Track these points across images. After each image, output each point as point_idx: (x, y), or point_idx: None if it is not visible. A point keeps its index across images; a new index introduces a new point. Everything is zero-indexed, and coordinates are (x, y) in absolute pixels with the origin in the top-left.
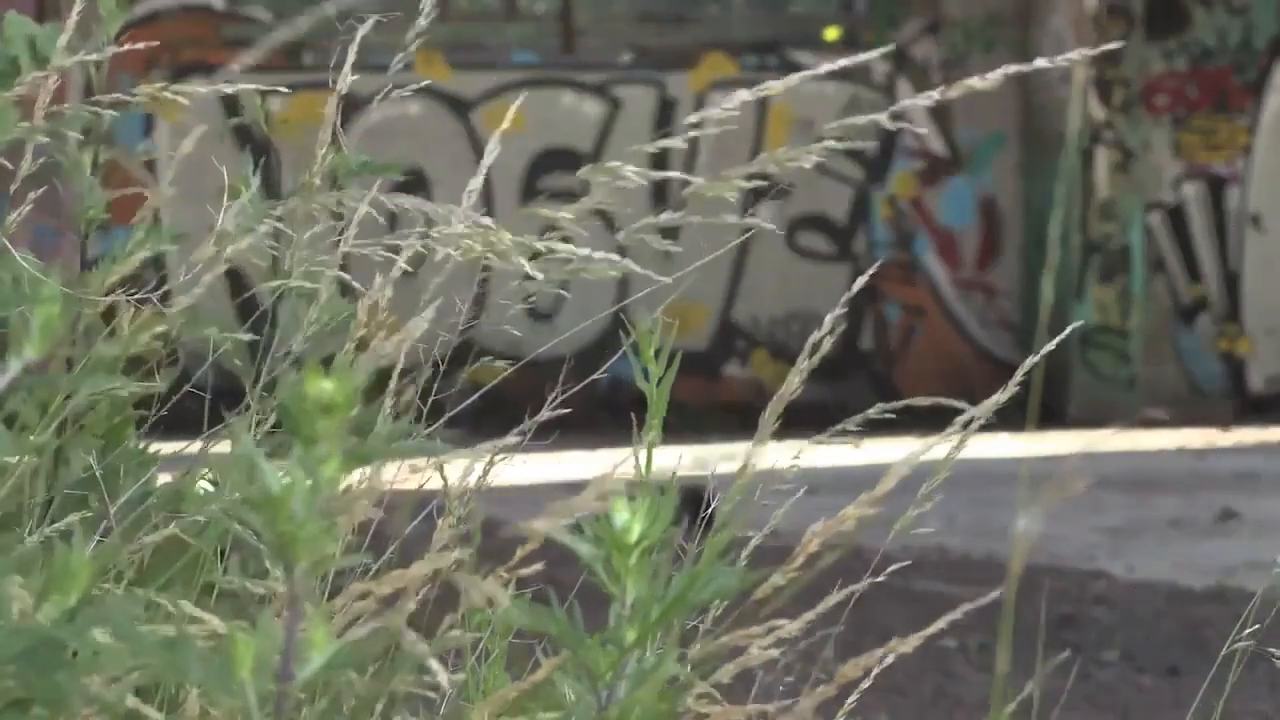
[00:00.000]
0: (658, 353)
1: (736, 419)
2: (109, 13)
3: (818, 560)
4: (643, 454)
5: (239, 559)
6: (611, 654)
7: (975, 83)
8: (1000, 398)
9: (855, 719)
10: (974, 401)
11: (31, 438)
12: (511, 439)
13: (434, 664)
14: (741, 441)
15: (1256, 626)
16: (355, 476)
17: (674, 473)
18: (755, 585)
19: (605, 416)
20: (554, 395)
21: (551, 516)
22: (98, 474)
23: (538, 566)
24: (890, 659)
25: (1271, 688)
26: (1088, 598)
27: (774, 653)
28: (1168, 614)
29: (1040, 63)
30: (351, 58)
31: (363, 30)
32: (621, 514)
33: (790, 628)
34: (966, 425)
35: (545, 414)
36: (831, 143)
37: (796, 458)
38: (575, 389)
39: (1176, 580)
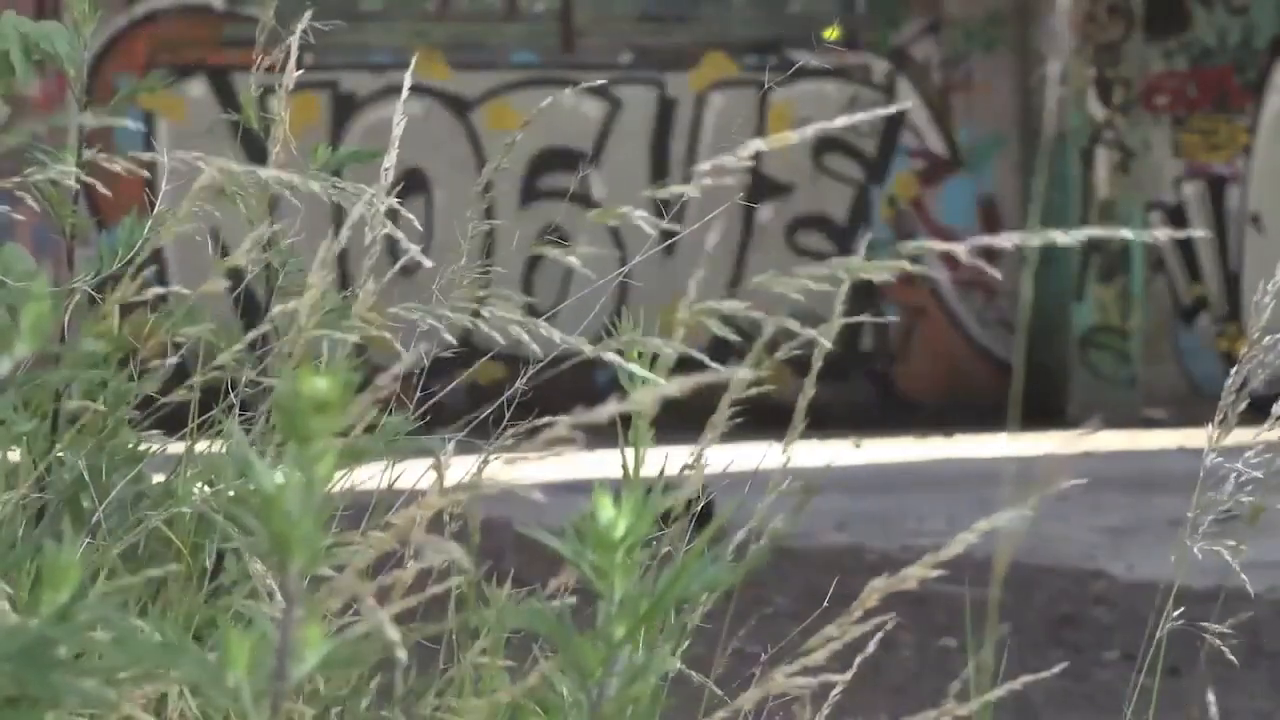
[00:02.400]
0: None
1: (735, 419)
2: (82, 15)
3: (816, 561)
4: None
5: (236, 560)
6: (601, 651)
7: None
8: None
9: (855, 719)
10: (974, 401)
11: (16, 430)
12: (508, 438)
13: (402, 653)
14: (740, 442)
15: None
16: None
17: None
18: (742, 578)
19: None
20: (516, 390)
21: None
22: (90, 473)
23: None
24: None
25: (1272, 687)
26: (1088, 598)
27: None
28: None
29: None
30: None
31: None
32: (606, 511)
33: (791, 634)
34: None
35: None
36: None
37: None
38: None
39: (1176, 580)
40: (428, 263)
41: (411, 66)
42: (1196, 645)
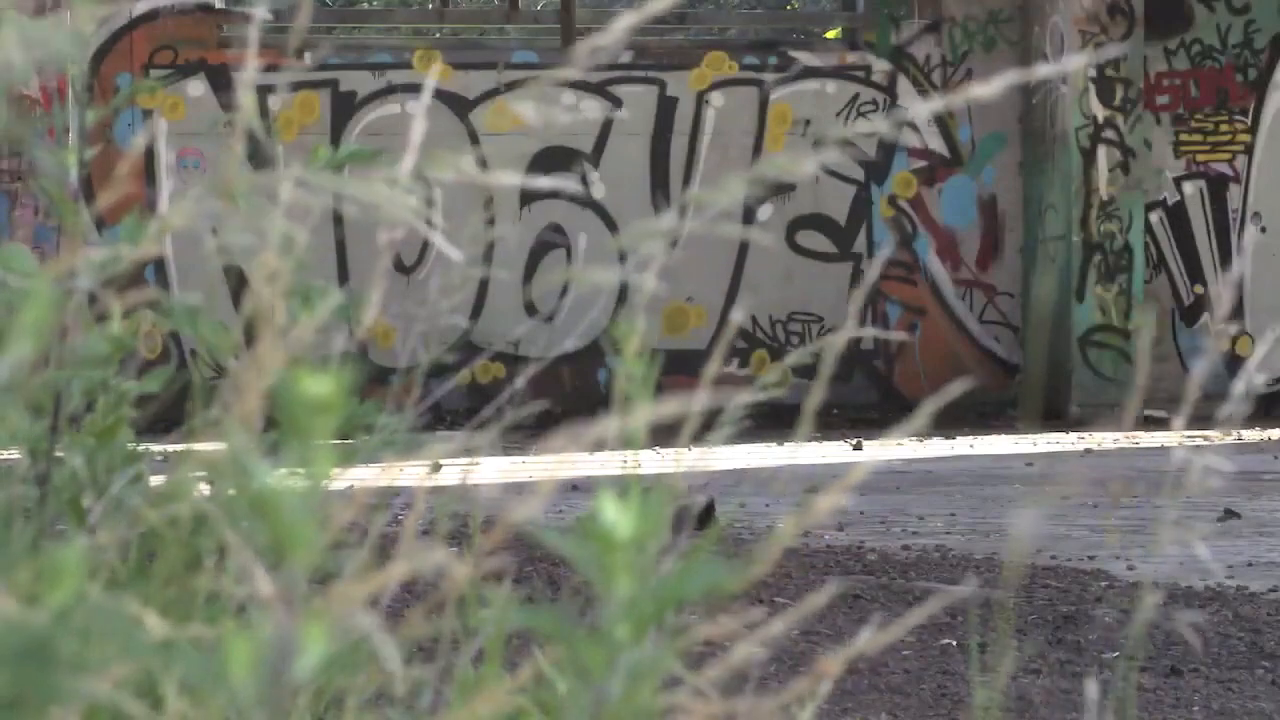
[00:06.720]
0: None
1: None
2: (84, 13)
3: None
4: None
5: (234, 561)
6: (604, 650)
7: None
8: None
9: (855, 718)
10: (974, 401)
11: (18, 433)
12: (508, 438)
13: (394, 660)
14: (739, 443)
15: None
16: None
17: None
18: (746, 581)
19: (605, 415)
20: (511, 392)
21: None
22: (89, 473)
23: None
24: (862, 645)
25: (1272, 687)
26: (1088, 598)
27: (760, 651)
28: (1168, 614)
29: (1044, 70)
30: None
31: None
32: (609, 512)
33: (782, 627)
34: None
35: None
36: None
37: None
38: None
39: (1177, 580)
40: (457, 255)
41: (426, 73)
42: (1197, 645)
